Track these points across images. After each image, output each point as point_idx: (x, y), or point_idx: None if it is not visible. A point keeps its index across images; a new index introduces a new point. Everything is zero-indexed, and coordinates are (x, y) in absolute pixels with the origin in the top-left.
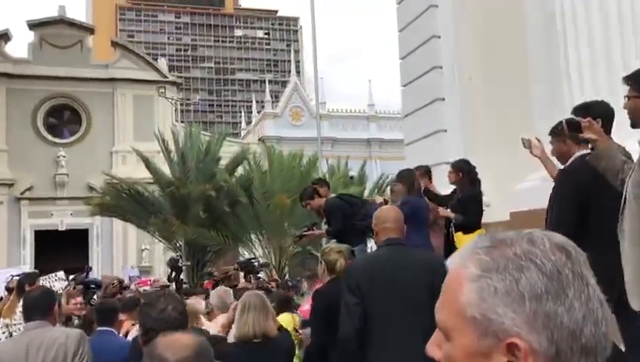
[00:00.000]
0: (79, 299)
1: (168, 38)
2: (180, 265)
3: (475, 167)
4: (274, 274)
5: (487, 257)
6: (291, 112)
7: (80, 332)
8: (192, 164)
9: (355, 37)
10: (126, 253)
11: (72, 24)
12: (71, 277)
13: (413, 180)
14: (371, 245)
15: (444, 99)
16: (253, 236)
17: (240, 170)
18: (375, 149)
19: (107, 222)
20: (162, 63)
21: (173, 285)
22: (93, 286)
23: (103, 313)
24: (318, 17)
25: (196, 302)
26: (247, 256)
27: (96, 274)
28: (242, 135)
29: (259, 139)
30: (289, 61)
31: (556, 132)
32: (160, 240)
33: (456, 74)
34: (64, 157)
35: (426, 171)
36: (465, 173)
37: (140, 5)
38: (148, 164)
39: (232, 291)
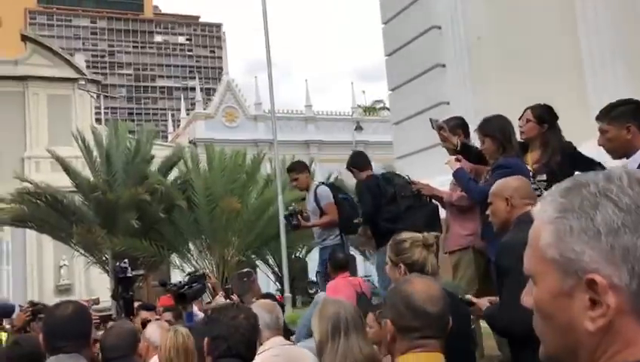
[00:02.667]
0: None
1: (83, 43)
2: (129, 275)
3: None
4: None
5: (562, 199)
6: (225, 113)
7: None
8: (120, 166)
9: (288, 41)
10: (41, 271)
11: None
12: None
13: (509, 132)
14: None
15: (444, 66)
16: (191, 245)
17: (175, 174)
18: (314, 151)
19: (19, 236)
20: (79, 59)
21: (119, 304)
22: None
23: None
24: (244, 22)
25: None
26: (181, 269)
27: (10, 298)
28: (170, 139)
29: (190, 142)
30: (212, 68)
31: (614, 114)
32: (83, 254)
33: (460, 34)
34: None
35: (461, 123)
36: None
37: (52, 9)
38: (66, 167)
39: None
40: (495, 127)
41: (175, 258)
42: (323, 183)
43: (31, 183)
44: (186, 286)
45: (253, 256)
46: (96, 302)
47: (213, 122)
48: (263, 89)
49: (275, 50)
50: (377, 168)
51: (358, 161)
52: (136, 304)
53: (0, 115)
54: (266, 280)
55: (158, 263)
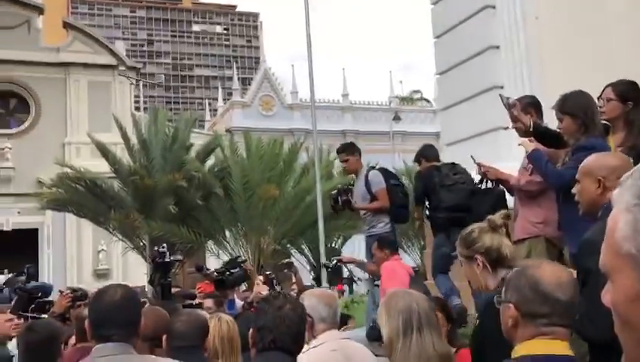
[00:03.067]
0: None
1: (123, 32)
2: (167, 260)
3: None
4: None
5: None
6: (261, 101)
7: None
8: (158, 152)
9: (325, 29)
10: (80, 255)
11: (17, 2)
12: (1, 279)
13: (592, 110)
14: None
15: (498, 47)
16: (228, 233)
17: (211, 161)
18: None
19: (59, 220)
20: (120, 47)
21: (155, 290)
22: (38, 294)
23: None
24: (280, 11)
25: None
26: (217, 256)
27: (47, 281)
28: (207, 128)
29: (226, 130)
30: (249, 57)
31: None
32: (121, 239)
33: (516, 13)
34: (10, 149)
35: (534, 103)
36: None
37: None
38: (106, 152)
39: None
40: (576, 104)
41: (211, 245)
42: (374, 168)
43: (71, 168)
44: (226, 273)
45: (288, 245)
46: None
47: (249, 111)
48: (299, 77)
49: (312, 39)
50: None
51: (428, 153)
52: (173, 290)
53: (42, 100)
54: (300, 270)
55: (195, 250)
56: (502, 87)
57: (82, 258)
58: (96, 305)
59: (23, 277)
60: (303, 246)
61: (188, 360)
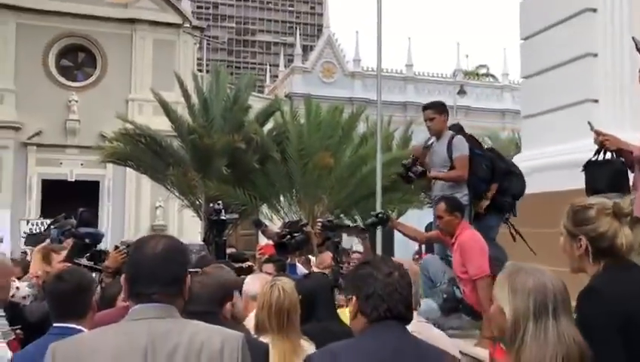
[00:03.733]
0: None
1: None
2: (223, 218)
3: None
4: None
5: None
6: (322, 68)
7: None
8: (218, 112)
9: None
10: (139, 210)
11: None
12: (48, 221)
13: None
14: None
15: (595, 10)
16: (282, 198)
17: (270, 125)
18: (412, 113)
19: (119, 175)
20: (186, 5)
21: (209, 249)
22: (87, 241)
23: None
24: None
25: (259, 281)
26: (270, 220)
27: (107, 235)
28: (266, 93)
29: (285, 96)
30: (312, 25)
31: None
32: (177, 196)
33: None
34: (76, 102)
35: None
36: None
37: None
38: (167, 110)
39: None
40: None
41: (265, 209)
42: (459, 129)
43: (132, 124)
44: (288, 236)
45: (341, 216)
46: None
47: (310, 77)
48: (362, 46)
49: (374, 7)
50: (480, 137)
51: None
52: (228, 251)
53: (109, 56)
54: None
55: (249, 213)
56: (595, 55)
57: (140, 213)
58: (134, 256)
59: (73, 221)
60: (357, 218)
61: None
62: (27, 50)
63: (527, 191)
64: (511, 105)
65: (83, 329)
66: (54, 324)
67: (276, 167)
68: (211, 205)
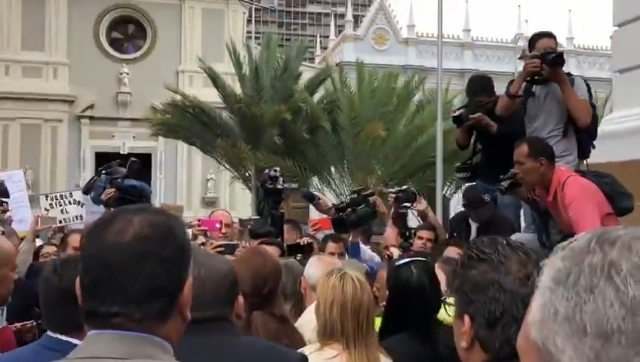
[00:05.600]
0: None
1: None
2: (280, 186)
3: None
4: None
5: (561, 263)
6: (375, 35)
7: None
8: (268, 81)
9: None
10: (190, 182)
11: None
12: (69, 194)
13: None
14: None
15: None
16: (333, 169)
17: (320, 94)
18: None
19: (171, 147)
20: None
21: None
22: (131, 197)
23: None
24: None
25: (323, 265)
26: (321, 192)
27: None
28: (317, 62)
29: (336, 65)
30: None
31: None
32: (227, 168)
33: None
34: (127, 74)
35: None
36: None
37: None
38: (216, 80)
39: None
40: None
41: (315, 181)
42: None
43: (180, 95)
44: (348, 209)
45: (395, 188)
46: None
47: (362, 44)
48: (415, 10)
49: None
50: None
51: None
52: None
53: (158, 27)
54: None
55: (299, 185)
56: None
57: (192, 185)
58: (87, 249)
59: (124, 169)
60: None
61: (201, 342)
62: (79, 23)
63: (620, 157)
64: (575, 71)
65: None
66: (48, 333)
67: (326, 137)
68: (266, 171)
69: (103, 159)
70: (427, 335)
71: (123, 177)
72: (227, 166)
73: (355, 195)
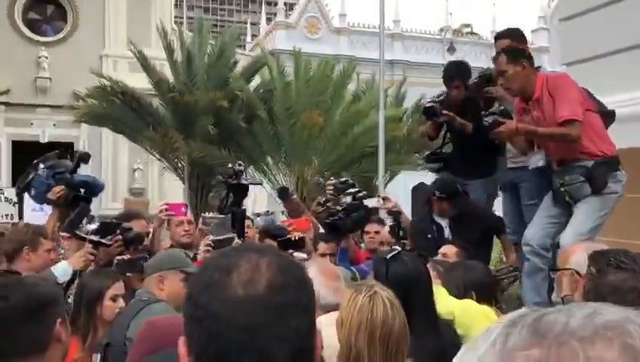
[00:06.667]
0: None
1: None
2: (244, 182)
3: None
4: None
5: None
6: (307, 23)
7: None
8: (201, 68)
9: None
10: (116, 173)
11: None
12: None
13: None
14: None
15: None
16: (270, 160)
17: (255, 83)
18: (398, 72)
19: (95, 136)
20: None
21: None
22: (84, 194)
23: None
24: None
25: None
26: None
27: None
28: (249, 49)
29: (270, 53)
30: None
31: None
32: (158, 159)
33: None
34: (46, 58)
35: None
36: None
37: None
38: (146, 65)
39: None
40: None
41: (252, 171)
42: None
43: (107, 80)
44: (341, 214)
45: (331, 179)
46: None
47: (294, 32)
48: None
49: None
50: None
51: None
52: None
53: (80, 9)
54: None
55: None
56: None
57: (118, 175)
58: (209, 308)
59: (69, 162)
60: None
61: None
62: None
63: None
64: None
65: None
66: None
67: (263, 126)
68: (230, 165)
69: (21, 148)
70: (433, 328)
71: (70, 171)
72: (158, 156)
73: (350, 199)
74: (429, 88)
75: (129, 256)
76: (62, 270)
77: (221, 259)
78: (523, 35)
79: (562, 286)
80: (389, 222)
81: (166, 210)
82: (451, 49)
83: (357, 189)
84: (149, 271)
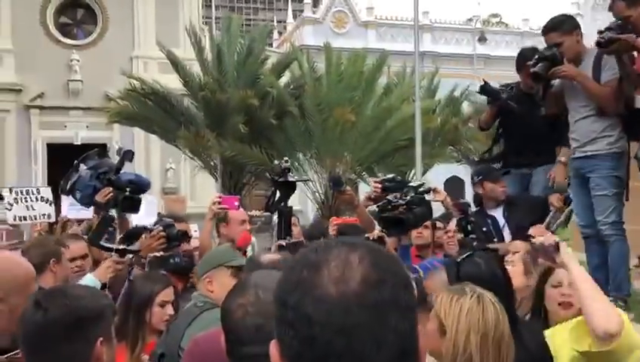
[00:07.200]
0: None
1: None
2: (291, 179)
3: None
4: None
5: None
6: (334, 18)
7: None
8: (231, 65)
9: None
10: (149, 173)
11: None
12: (36, 189)
13: None
14: None
15: None
16: (301, 156)
17: (285, 79)
18: (429, 64)
19: (127, 136)
20: None
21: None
22: (132, 194)
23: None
24: None
25: None
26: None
27: None
28: (276, 46)
29: (299, 48)
30: None
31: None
32: (191, 158)
33: None
34: (78, 61)
35: None
36: None
37: None
38: (176, 65)
39: None
40: None
41: None
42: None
43: (139, 80)
44: (403, 206)
45: (363, 174)
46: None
47: (320, 28)
48: None
49: None
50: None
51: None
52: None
53: (110, 11)
54: None
55: (264, 173)
56: None
57: (151, 175)
58: (299, 309)
59: (112, 161)
60: (380, 175)
61: None
62: (24, 8)
63: None
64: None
65: None
66: None
67: (294, 122)
68: (276, 162)
69: (55, 150)
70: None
71: (114, 171)
72: (190, 155)
73: (413, 193)
74: (460, 79)
75: (162, 254)
76: (89, 283)
77: (308, 255)
78: (573, 22)
79: None
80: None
81: (219, 203)
82: (482, 39)
83: (420, 183)
84: (199, 274)
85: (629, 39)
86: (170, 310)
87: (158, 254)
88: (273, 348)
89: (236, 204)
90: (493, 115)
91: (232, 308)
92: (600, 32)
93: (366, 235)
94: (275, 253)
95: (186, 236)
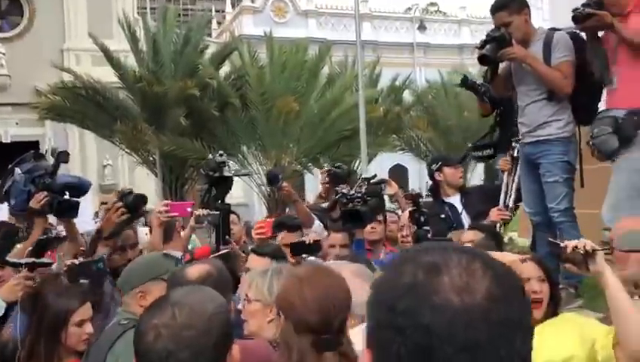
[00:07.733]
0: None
1: None
2: (227, 174)
3: None
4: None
5: None
6: (274, 7)
7: None
8: (168, 56)
9: None
10: (85, 170)
11: None
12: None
13: None
14: None
15: None
16: (245, 148)
17: (226, 69)
18: (369, 53)
19: (60, 132)
20: None
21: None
22: (70, 197)
23: None
24: None
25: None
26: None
27: None
28: (215, 36)
29: (238, 38)
30: None
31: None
32: (128, 153)
33: None
34: (4, 54)
35: None
36: None
37: None
38: (110, 57)
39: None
40: None
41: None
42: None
43: (70, 73)
44: (357, 200)
45: (309, 165)
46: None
47: (261, 17)
48: None
49: None
50: (442, 72)
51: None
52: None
53: (37, 2)
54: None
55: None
56: None
57: (87, 172)
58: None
59: (48, 163)
60: (325, 166)
61: None
62: None
63: None
64: (470, 40)
65: None
66: None
67: (236, 114)
68: (211, 157)
69: None
70: None
71: (49, 174)
72: (127, 150)
73: (366, 184)
74: (401, 68)
75: (81, 261)
76: None
77: (422, 256)
78: (521, 2)
79: None
80: (408, 207)
81: (166, 211)
82: (422, 27)
83: (373, 175)
84: (126, 287)
85: (605, 16)
86: (88, 328)
87: (76, 261)
88: (366, 356)
89: (189, 210)
90: (485, 107)
91: (144, 329)
92: (575, 9)
93: (302, 238)
94: (205, 264)
95: (143, 199)
